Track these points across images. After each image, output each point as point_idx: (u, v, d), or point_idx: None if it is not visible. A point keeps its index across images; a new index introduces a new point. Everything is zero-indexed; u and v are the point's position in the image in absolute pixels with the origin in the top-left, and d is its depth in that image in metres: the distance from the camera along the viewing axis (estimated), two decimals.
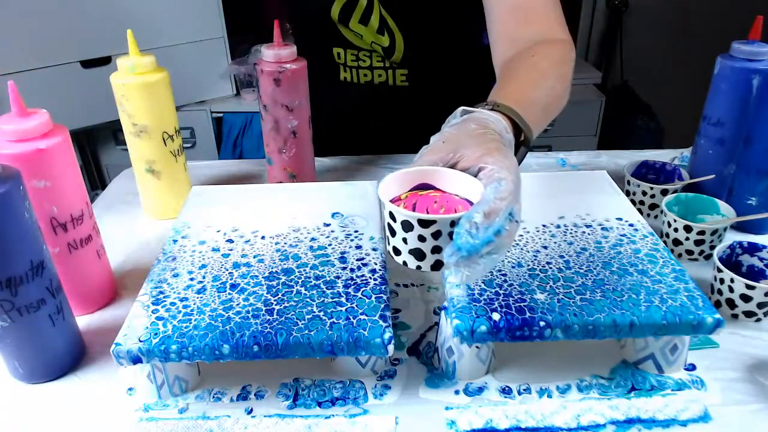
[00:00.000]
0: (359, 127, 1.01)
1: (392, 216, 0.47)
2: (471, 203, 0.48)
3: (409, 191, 0.50)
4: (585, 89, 2.23)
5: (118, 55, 0.73)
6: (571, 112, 2.14)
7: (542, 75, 0.65)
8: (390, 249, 0.50)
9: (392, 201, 0.49)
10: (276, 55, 0.76)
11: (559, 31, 0.73)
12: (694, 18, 2.39)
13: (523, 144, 0.57)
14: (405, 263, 0.48)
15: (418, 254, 0.47)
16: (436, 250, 0.46)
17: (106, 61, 1.77)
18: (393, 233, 0.48)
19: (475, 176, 0.48)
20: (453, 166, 0.50)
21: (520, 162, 0.56)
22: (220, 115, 2.10)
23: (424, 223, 0.45)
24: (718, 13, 2.35)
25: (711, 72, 0.76)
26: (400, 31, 0.89)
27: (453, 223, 0.45)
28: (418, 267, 0.48)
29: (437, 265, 0.47)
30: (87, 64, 1.75)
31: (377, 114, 0.98)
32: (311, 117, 0.83)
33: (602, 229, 0.62)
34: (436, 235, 0.46)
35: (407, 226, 0.46)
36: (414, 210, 0.47)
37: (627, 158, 0.94)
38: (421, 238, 0.46)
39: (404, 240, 0.47)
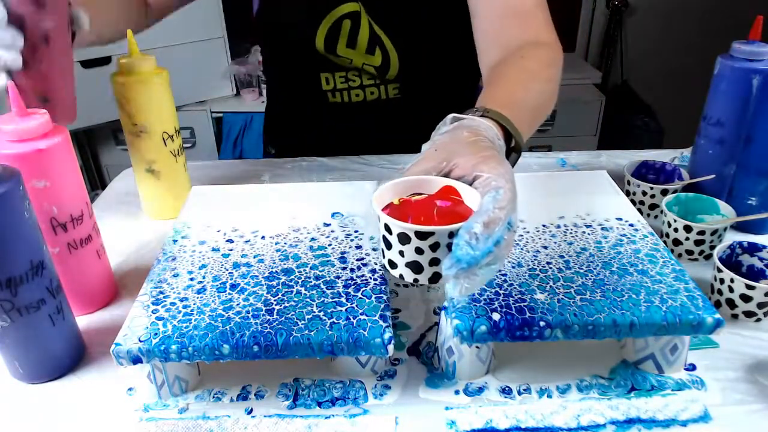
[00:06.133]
0: (353, 142, 0.98)
1: (388, 228, 0.45)
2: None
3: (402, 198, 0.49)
4: (585, 89, 2.23)
5: (118, 55, 0.73)
6: (571, 112, 2.16)
7: (531, 76, 0.64)
8: (386, 262, 0.49)
9: (386, 208, 0.47)
10: None
11: (547, 34, 0.72)
12: (694, 18, 2.39)
13: (513, 150, 0.56)
14: (401, 276, 0.47)
15: (415, 267, 0.46)
16: (434, 262, 0.45)
17: (106, 61, 1.77)
18: (389, 246, 0.46)
19: (470, 185, 0.47)
20: (447, 175, 0.49)
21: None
22: (220, 115, 2.10)
23: (421, 235, 0.44)
24: (718, 13, 2.35)
25: (711, 72, 0.76)
26: (395, 47, 0.87)
27: (451, 234, 0.43)
28: (415, 280, 0.47)
29: (435, 278, 0.46)
30: (87, 64, 1.75)
31: (371, 127, 0.96)
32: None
33: (602, 229, 0.62)
34: (434, 247, 0.44)
35: (404, 238, 0.44)
36: (410, 218, 0.45)
37: (627, 158, 0.94)
38: (419, 251, 0.45)
39: (401, 253, 0.46)
